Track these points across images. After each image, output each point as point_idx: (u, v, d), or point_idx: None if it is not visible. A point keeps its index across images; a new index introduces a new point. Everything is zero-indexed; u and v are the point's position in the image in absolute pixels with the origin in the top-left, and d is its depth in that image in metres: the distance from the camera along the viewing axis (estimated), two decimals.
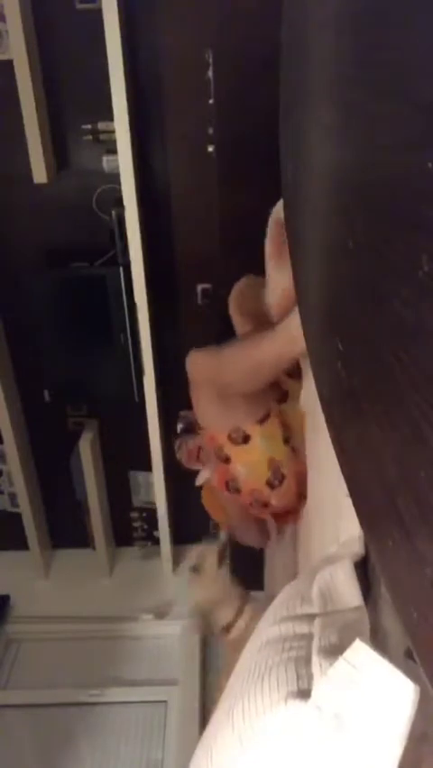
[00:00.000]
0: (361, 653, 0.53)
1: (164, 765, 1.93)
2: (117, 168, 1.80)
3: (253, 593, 1.50)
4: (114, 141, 1.77)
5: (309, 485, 1.30)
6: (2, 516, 2.61)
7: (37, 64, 1.79)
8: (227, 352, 1.29)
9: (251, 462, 1.35)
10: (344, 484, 0.59)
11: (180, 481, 2.34)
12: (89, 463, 2.33)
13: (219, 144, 1.91)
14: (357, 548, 0.78)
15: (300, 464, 1.35)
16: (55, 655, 2.28)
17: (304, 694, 0.55)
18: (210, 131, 1.89)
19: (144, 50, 1.81)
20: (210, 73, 1.82)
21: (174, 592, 2.47)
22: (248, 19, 1.75)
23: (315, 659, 0.59)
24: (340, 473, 0.60)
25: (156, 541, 2.53)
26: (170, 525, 2.48)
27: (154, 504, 2.44)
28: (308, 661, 0.59)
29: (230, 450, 1.35)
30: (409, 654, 0.56)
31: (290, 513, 1.44)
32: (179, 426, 2.02)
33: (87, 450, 2.31)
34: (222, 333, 1.50)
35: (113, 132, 1.76)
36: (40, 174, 1.85)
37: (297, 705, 0.55)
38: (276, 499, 1.38)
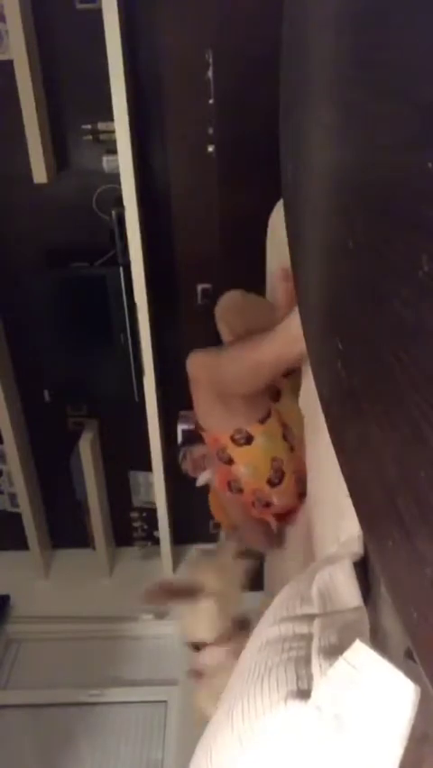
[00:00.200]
0: (361, 653, 0.53)
1: (164, 765, 1.93)
2: (117, 168, 1.80)
3: (253, 593, 1.49)
4: (114, 141, 1.77)
5: (309, 485, 1.30)
6: (2, 516, 2.61)
7: (37, 64, 1.79)
8: (228, 353, 1.29)
9: (253, 462, 1.35)
10: (344, 484, 0.59)
11: (180, 481, 2.34)
12: (89, 463, 2.33)
13: (219, 144, 1.92)
14: (357, 548, 0.78)
15: (298, 462, 1.35)
16: (55, 655, 2.28)
17: (304, 694, 0.55)
18: (210, 131, 1.89)
19: (144, 50, 1.81)
20: (210, 73, 1.82)
21: None
22: (248, 19, 1.75)
23: (315, 659, 0.59)
24: (340, 473, 0.60)
25: (156, 541, 2.53)
26: (170, 525, 2.48)
27: (154, 504, 2.44)
28: (307, 661, 0.59)
29: (233, 451, 1.35)
30: (409, 654, 0.56)
31: (290, 513, 1.44)
32: (180, 429, 2.03)
33: (87, 450, 2.31)
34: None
35: (113, 132, 1.76)
36: (40, 174, 1.85)
37: (297, 705, 0.55)
38: (277, 497, 1.38)
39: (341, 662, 0.54)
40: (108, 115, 1.74)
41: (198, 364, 1.30)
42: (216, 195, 1.99)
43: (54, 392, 2.20)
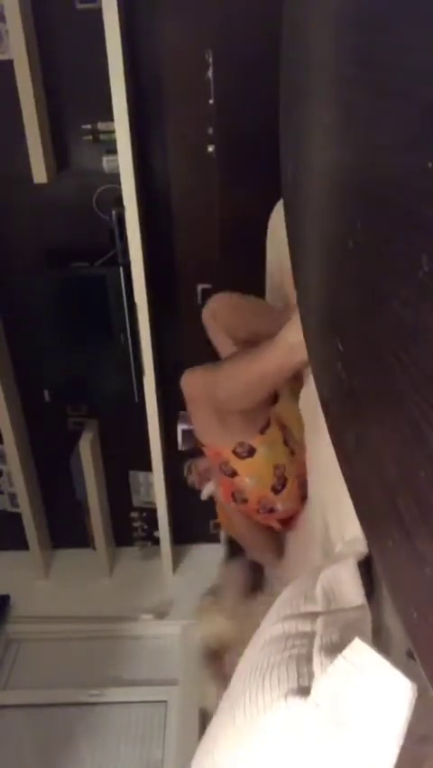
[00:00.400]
0: (360, 651, 0.53)
1: (164, 765, 1.93)
2: (117, 168, 1.80)
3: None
4: (114, 141, 1.77)
5: (310, 486, 1.30)
6: (2, 516, 2.61)
7: (37, 64, 1.79)
8: (225, 368, 1.25)
9: (257, 473, 1.34)
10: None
11: (180, 481, 2.34)
12: (89, 463, 2.33)
13: (219, 144, 1.91)
14: (361, 547, 0.78)
15: (300, 465, 1.34)
16: (55, 655, 2.28)
17: (304, 692, 0.55)
18: (210, 131, 1.89)
19: (144, 50, 1.81)
20: (210, 73, 1.82)
21: (174, 592, 2.47)
22: (248, 19, 1.75)
23: (316, 657, 0.59)
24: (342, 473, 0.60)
25: (156, 541, 2.53)
26: (170, 525, 2.48)
27: (154, 504, 2.44)
28: (309, 659, 0.59)
29: (236, 464, 1.33)
30: (411, 654, 0.56)
31: (294, 517, 1.43)
32: (180, 429, 2.02)
33: (87, 450, 2.31)
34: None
35: (113, 132, 1.76)
36: (40, 174, 1.85)
37: (297, 702, 0.55)
38: (281, 503, 1.37)
39: (340, 660, 0.54)
40: (108, 115, 1.74)
41: (195, 384, 1.27)
42: (216, 195, 1.99)
43: (54, 392, 2.20)
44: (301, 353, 1.00)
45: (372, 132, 0.44)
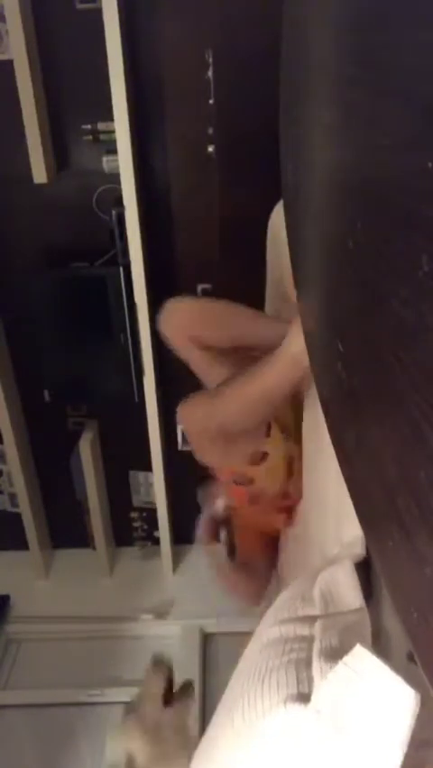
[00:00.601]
0: (361, 658, 0.53)
1: None
2: (117, 168, 1.80)
3: None
4: (114, 141, 1.77)
5: (309, 486, 1.30)
6: (2, 516, 2.61)
7: (37, 64, 1.79)
8: (224, 394, 1.17)
9: (273, 472, 1.31)
10: (345, 485, 0.59)
11: (180, 481, 2.34)
12: (89, 463, 2.33)
13: (219, 144, 1.91)
14: (359, 549, 0.78)
15: (296, 446, 1.33)
16: (55, 655, 2.28)
17: (304, 698, 0.55)
18: (210, 131, 1.89)
19: (144, 50, 1.81)
20: (210, 73, 1.82)
21: (174, 592, 2.47)
22: (248, 19, 1.75)
23: (315, 662, 0.58)
24: (341, 474, 0.60)
25: (156, 541, 2.53)
26: (170, 525, 2.48)
27: (154, 504, 2.44)
28: (308, 663, 0.59)
29: (252, 471, 1.30)
30: (411, 657, 0.56)
31: (295, 509, 1.42)
32: (180, 429, 2.00)
33: (87, 450, 2.31)
34: None
35: (113, 132, 1.76)
36: (40, 174, 1.85)
37: (296, 708, 0.55)
38: (293, 486, 1.35)
39: (341, 667, 0.54)
40: (108, 115, 1.74)
41: (193, 418, 1.21)
42: (216, 195, 1.99)
43: (54, 392, 2.20)
44: (305, 362, 0.96)
45: (372, 132, 0.44)
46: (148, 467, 2.33)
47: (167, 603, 2.42)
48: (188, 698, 1.19)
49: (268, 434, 1.29)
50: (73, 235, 2.05)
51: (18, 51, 1.70)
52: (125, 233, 1.87)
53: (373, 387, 0.47)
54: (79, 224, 2.03)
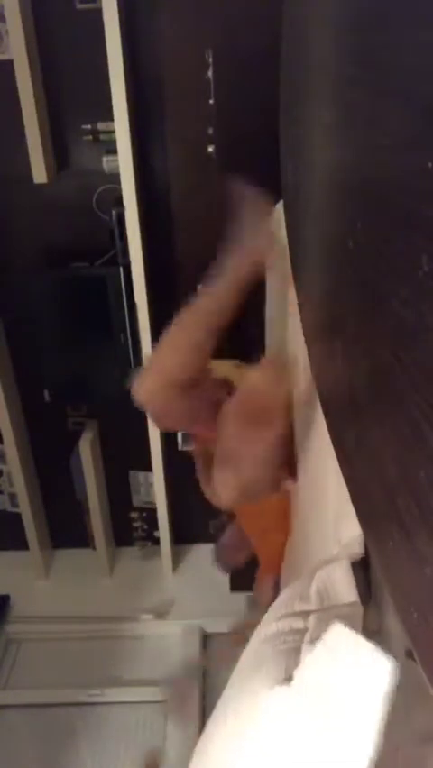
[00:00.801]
0: (339, 634, 0.53)
1: (164, 765, 1.93)
2: (117, 168, 1.80)
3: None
4: (114, 141, 1.77)
5: (308, 487, 1.30)
6: (2, 516, 2.61)
7: (37, 64, 1.79)
8: (239, 467, 1.18)
9: None
10: (344, 485, 0.59)
11: (180, 481, 2.34)
12: (89, 463, 2.33)
13: (219, 144, 1.91)
14: (357, 548, 0.78)
15: None
16: (55, 655, 2.28)
17: (289, 680, 0.56)
18: (210, 131, 1.89)
19: (144, 50, 1.81)
20: (210, 73, 1.82)
21: (174, 592, 2.47)
22: (248, 19, 1.75)
23: (304, 650, 0.59)
24: (340, 474, 0.60)
25: (156, 541, 2.53)
26: (170, 525, 2.48)
27: (154, 504, 2.44)
28: (298, 652, 0.60)
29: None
30: (410, 655, 0.56)
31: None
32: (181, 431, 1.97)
33: (87, 450, 2.31)
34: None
35: (113, 132, 1.76)
36: (40, 174, 1.85)
37: (280, 690, 0.55)
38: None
39: (320, 645, 0.54)
40: (108, 115, 1.74)
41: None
42: (216, 195, 1.99)
43: (54, 392, 2.19)
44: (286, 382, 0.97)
45: (372, 132, 0.44)
46: (148, 467, 2.33)
47: (167, 603, 2.42)
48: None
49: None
50: (73, 235, 2.05)
51: (18, 51, 1.70)
52: (125, 233, 1.87)
53: (372, 387, 0.47)
54: (79, 224, 2.03)
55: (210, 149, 1.92)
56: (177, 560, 2.59)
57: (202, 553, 2.61)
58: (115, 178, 1.84)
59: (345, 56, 0.52)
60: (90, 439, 2.33)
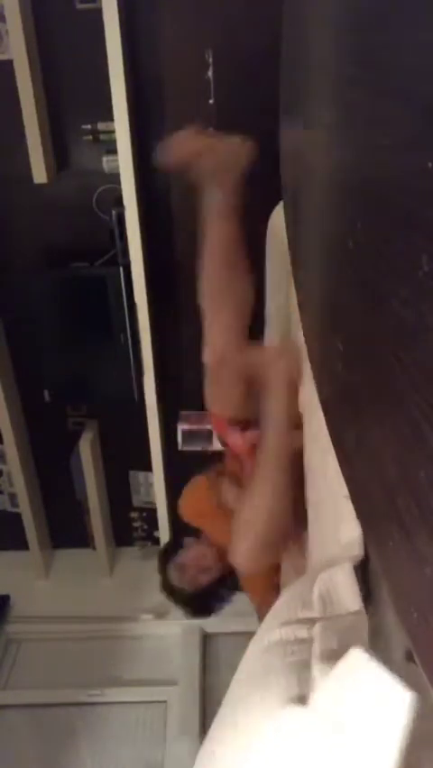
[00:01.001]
0: (358, 659, 0.53)
1: (164, 765, 1.93)
2: (117, 168, 1.80)
3: None
4: (114, 141, 1.77)
5: (308, 487, 1.30)
6: (2, 516, 2.61)
7: (37, 64, 1.79)
8: (252, 499, 1.21)
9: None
10: (344, 486, 0.59)
11: (180, 481, 2.34)
12: (89, 463, 2.33)
13: None
14: (357, 550, 0.78)
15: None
16: (55, 655, 2.28)
17: (303, 699, 0.56)
18: (210, 131, 1.89)
19: (144, 50, 1.81)
20: (210, 73, 1.82)
21: None
22: (248, 19, 1.75)
23: (315, 664, 0.59)
24: (340, 475, 0.60)
25: (156, 541, 2.53)
26: (170, 525, 2.48)
27: (154, 504, 2.44)
28: (307, 666, 0.59)
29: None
30: (409, 656, 0.56)
31: None
32: (180, 429, 1.99)
33: (87, 450, 2.31)
34: None
35: (113, 132, 1.76)
36: (40, 174, 1.85)
37: (296, 710, 0.55)
38: None
39: (339, 669, 0.54)
40: (108, 115, 1.74)
41: (242, 552, 1.22)
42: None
43: (54, 392, 2.19)
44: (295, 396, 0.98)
45: (372, 132, 0.44)
46: (148, 467, 2.33)
47: (167, 603, 2.41)
48: None
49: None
50: (73, 235, 2.05)
51: (18, 51, 1.70)
52: (125, 233, 1.87)
53: (373, 387, 0.47)
54: (79, 224, 2.03)
55: None
56: None
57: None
58: (115, 178, 1.84)
59: (345, 56, 0.52)
60: (90, 439, 2.33)
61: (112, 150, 1.81)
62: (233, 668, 0.77)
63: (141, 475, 2.51)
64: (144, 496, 2.57)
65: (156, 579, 2.58)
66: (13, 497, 2.52)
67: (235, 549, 1.22)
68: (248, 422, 1.40)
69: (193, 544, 1.67)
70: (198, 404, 1.85)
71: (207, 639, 2.29)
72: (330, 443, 0.63)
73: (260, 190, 1.38)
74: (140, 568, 2.62)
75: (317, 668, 0.58)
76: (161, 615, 2.37)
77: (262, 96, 1.42)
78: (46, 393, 2.19)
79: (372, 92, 0.44)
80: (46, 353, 2.11)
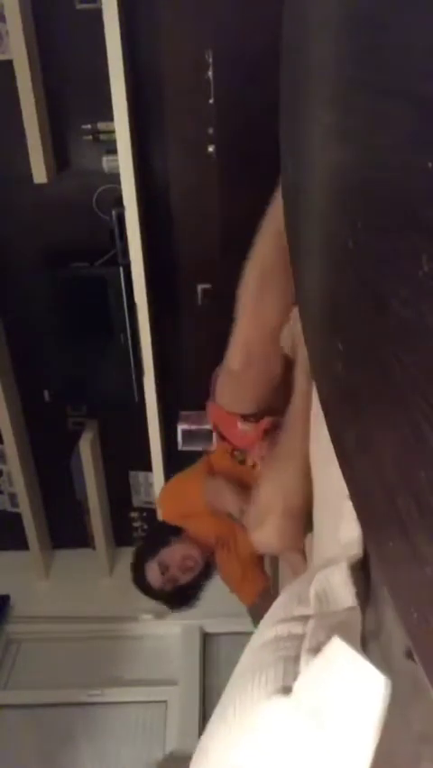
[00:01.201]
0: (337, 648, 0.53)
1: None
2: (117, 168, 1.80)
3: None
4: (114, 141, 1.77)
5: (313, 486, 1.30)
6: (2, 516, 2.61)
7: (37, 64, 1.79)
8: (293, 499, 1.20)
9: None
10: (344, 486, 0.59)
11: None
12: (89, 463, 2.33)
13: (219, 144, 1.91)
14: (356, 549, 0.78)
15: None
16: (55, 655, 2.28)
17: (288, 691, 0.56)
18: (210, 131, 1.89)
19: (144, 50, 1.81)
20: (210, 73, 1.82)
21: None
22: (248, 19, 1.75)
23: (303, 657, 0.59)
24: (340, 474, 0.60)
25: None
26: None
27: (154, 504, 2.43)
28: (296, 659, 0.60)
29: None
30: (409, 654, 0.56)
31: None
32: (180, 429, 1.99)
33: (87, 450, 2.31)
34: (222, 333, 1.50)
35: (113, 132, 1.76)
36: (40, 174, 1.85)
37: (279, 700, 0.56)
38: None
39: (319, 658, 0.55)
40: (108, 115, 1.74)
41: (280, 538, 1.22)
42: (216, 195, 1.99)
43: (54, 392, 2.20)
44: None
45: (372, 132, 0.44)
46: (148, 467, 2.33)
47: None
48: None
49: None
50: (73, 235, 2.05)
51: (18, 51, 1.70)
52: (125, 233, 1.87)
53: (373, 387, 0.47)
54: (79, 224, 2.03)
55: (210, 149, 1.92)
56: None
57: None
58: (115, 178, 1.84)
59: (345, 56, 0.52)
60: (90, 439, 2.33)
61: (112, 150, 1.81)
62: (233, 668, 0.77)
63: (141, 475, 2.51)
64: (144, 496, 2.57)
65: None
66: (13, 497, 2.52)
67: (260, 526, 1.21)
68: (262, 415, 1.40)
69: (176, 543, 1.67)
70: (199, 404, 1.85)
71: (207, 639, 2.29)
72: (330, 442, 0.63)
73: (260, 190, 1.38)
74: None
75: (304, 659, 0.58)
76: (160, 615, 2.37)
77: (261, 96, 1.42)
78: (46, 393, 2.19)
79: (372, 92, 0.44)
80: (46, 353, 2.11)
